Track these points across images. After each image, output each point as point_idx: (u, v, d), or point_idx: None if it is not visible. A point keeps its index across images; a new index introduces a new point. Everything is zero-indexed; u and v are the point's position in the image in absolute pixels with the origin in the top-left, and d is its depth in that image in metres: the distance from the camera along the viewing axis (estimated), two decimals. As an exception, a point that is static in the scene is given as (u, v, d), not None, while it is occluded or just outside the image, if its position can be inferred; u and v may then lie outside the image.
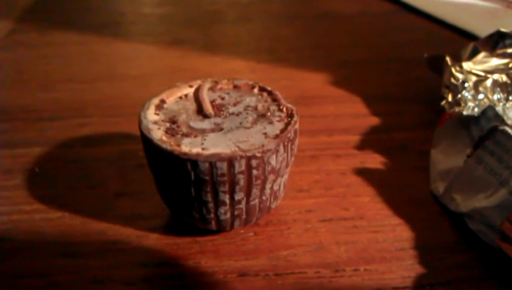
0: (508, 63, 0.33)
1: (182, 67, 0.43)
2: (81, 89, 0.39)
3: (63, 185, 0.28)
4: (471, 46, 0.35)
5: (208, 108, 0.23)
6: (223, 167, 0.20)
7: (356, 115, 0.35)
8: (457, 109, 0.29)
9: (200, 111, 0.23)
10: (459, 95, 0.30)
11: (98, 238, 0.24)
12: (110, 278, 0.22)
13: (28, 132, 0.33)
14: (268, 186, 0.22)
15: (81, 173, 0.29)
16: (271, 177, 0.22)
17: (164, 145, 0.21)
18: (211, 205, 0.22)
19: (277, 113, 0.23)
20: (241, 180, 0.21)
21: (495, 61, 0.34)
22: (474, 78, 0.32)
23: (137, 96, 0.38)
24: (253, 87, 0.26)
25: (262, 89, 0.25)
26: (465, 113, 0.28)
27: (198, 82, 0.26)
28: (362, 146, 0.31)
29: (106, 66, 0.43)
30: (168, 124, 0.22)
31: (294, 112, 0.23)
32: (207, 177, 0.20)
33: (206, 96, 0.24)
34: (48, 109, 0.36)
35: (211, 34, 0.50)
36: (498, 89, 0.31)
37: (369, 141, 0.32)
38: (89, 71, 0.42)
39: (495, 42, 0.35)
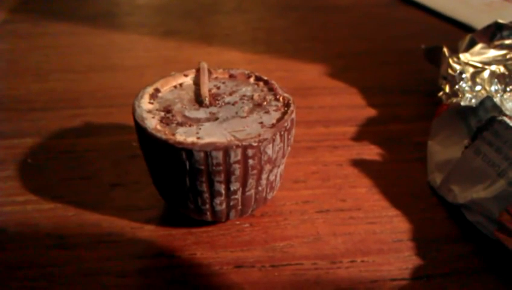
0: (505, 54, 0.33)
1: (177, 59, 0.42)
2: (75, 80, 0.38)
3: (56, 176, 0.27)
4: (468, 37, 0.35)
5: (205, 91, 0.23)
6: (219, 156, 0.20)
7: (353, 106, 0.35)
8: (454, 100, 0.29)
9: (197, 94, 0.23)
10: (457, 86, 0.30)
11: (92, 230, 0.24)
12: (104, 270, 0.22)
13: (21, 122, 0.33)
14: (264, 176, 0.22)
15: (75, 164, 0.28)
16: (267, 167, 0.21)
17: (159, 134, 0.20)
18: (206, 195, 0.21)
19: (273, 103, 0.23)
20: (237, 170, 0.20)
21: (492, 53, 0.33)
22: (471, 70, 0.31)
23: (131, 87, 0.37)
24: (249, 76, 0.25)
25: (258, 79, 0.25)
26: (462, 104, 0.28)
27: (193, 71, 0.25)
28: (359, 137, 0.31)
29: (100, 57, 0.42)
30: (162, 113, 0.22)
31: (290, 101, 0.23)
32: (202, 167, 0.20)
33: (206, 79, 0.24)
34: (41, 100, 0.35)
35: (207, 25, 0.50)
36: (495, 80, 0.31)
37: (366, 132, 0.32)
38: (83, 62, 0.41)
39: (492, 34, 0.35)
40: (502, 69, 0.31)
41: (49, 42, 0.45)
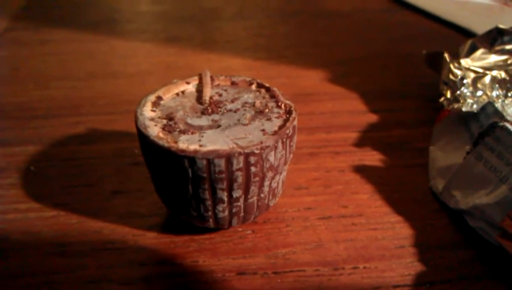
0: (506, 60, 0.33)
1: (178, 65, 0.42)
2: (77, 87, 0.38)
3: (59, 183, 0.28)
4: (469, 42, 0.35)
5: (206, 94, 0.23)
6: (221, 163, 0.20)
7: (354, 112, 0.35)
8: (456, 106, 0.29)
9: (199, 102, 0.23)
10: (458, 92, 0.30)
11: (94, 237, 0.24)
12: (106, 278, 0.22)
13: (23, 130, 0.33)
14: (266, 183, 0.22)
15: (77, 171, 0.29)
16: (269, 174, 0.21)
17: (161, 142, 0.20)
18: (209, 202, 0.21)
19: (275, 110, 0.23)
20: (239, 177, 0.21)
21: (493, 58, 0.33)
22: (472, 75, 0.31)
23: (133, 93, 0.37)
24: (251, 83, 0.25)
25: (260, 86, 0.25)
26: (464, 109, 0.28)
27: (196, 78, 0.25)
28: (361, 143, 0.31)
29: (102, 64, 0.42)
30: (165, 121, 0.22)
31: (292, 108, 0.23)
32: (205, 175, 0.20)
33: (209, 82, 0.24)
34: (43, 107, 0.35)
35: (208, 31, 0.50)
36: (497, 85, 0.31)
37: (367, 138, 0.32)
38: (85, 69, 0.41)
39: (493, 39, 0.35)
40: (503, 74, 0.31)
41: (50, 49, 0.45)
